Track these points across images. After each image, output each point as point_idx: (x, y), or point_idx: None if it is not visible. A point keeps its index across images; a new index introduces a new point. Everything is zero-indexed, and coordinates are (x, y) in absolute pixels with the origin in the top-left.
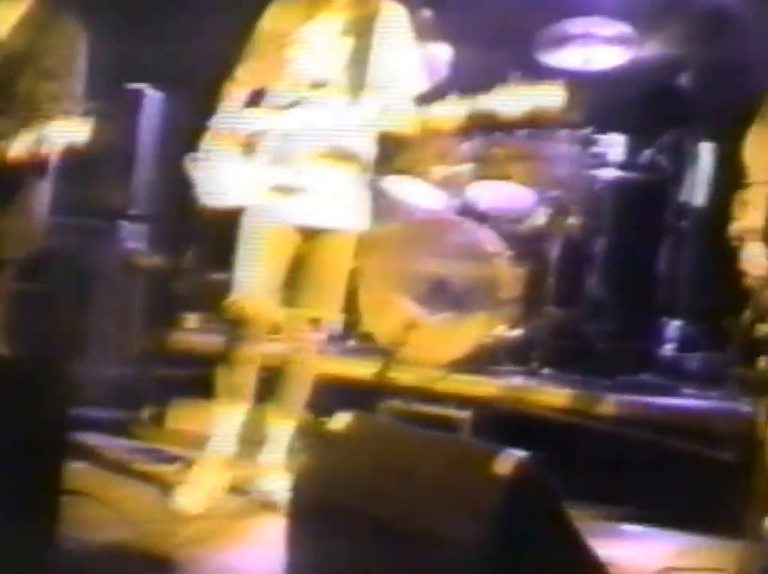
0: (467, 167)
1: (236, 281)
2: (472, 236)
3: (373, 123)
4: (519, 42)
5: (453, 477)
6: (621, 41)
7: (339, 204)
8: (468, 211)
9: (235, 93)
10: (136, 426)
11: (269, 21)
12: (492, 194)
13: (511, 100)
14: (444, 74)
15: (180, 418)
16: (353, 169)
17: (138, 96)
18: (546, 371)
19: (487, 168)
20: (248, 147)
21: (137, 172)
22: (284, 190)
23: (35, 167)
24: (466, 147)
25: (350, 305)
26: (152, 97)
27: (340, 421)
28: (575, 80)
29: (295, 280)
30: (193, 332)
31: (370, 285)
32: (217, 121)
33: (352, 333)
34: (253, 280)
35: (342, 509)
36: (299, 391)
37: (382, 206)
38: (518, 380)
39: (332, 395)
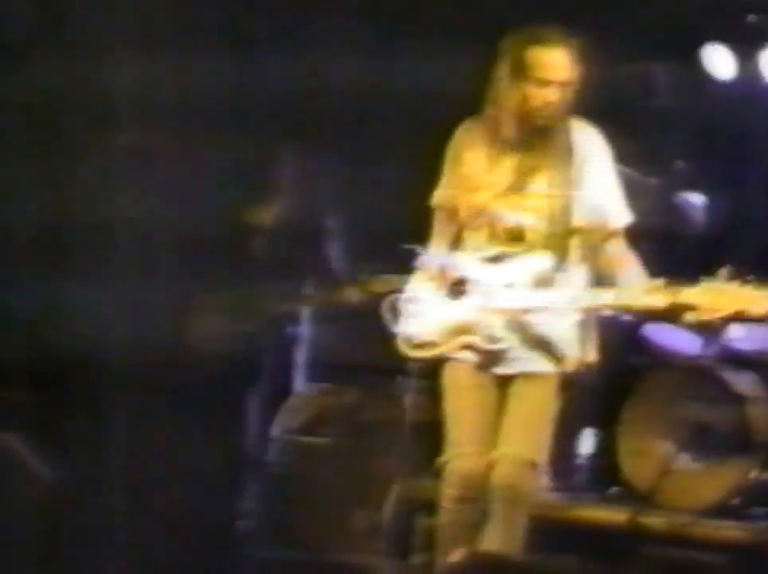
0: None
1: (449, 438)
2: (728, 380)
3: (578, 298)
4: None
5: None
6: None
7: (544, 350)
8: (726, 355)
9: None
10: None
11: (457, 169)
12: (750, 337)
13: (716, 297)
14: (702, 223)
15: None
16: (560, 317)
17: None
18: None
19: None
20: (455, 291)
21: None
22: (489, 339)
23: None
24: None
25: (610, 453)
26: None
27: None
28: None
29: (500, 422)
30: None
31: (629, 431)
32: (426, 260)
33: (612, 480)
34: (466, 437)
35: None
36: (512, 536)
37: (641, 351)
38: None
39: (587, 540)
